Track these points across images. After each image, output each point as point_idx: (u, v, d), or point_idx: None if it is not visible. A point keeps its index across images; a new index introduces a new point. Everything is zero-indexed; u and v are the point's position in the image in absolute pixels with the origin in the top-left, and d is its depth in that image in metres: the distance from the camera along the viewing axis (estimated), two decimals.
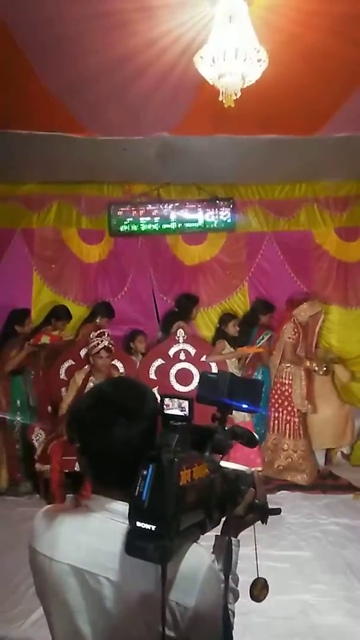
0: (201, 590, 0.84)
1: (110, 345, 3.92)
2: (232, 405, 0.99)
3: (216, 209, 4.66)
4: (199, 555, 0.86)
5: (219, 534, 1.00)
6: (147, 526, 0.70)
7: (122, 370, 4.28)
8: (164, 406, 0.91)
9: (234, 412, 1.02)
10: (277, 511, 1.04)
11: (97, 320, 4.38)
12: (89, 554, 0.86)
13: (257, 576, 1.00)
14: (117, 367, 4.27)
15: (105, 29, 2.39)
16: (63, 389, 4.19)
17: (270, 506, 1.02)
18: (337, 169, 4.27)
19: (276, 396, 4.32)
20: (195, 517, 0.78)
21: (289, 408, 4.26)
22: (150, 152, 3.77)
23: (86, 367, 4.01)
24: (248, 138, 3.51)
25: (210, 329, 4.70)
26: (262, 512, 1.00)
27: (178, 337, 4.32)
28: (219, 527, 0.97)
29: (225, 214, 4.65)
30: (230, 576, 0.96)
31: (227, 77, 1.97)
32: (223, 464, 0.96)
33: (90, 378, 3.93)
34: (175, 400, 0.91)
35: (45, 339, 4.18)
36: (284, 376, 4.28)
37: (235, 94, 2.07)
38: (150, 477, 0.71)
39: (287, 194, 4.67)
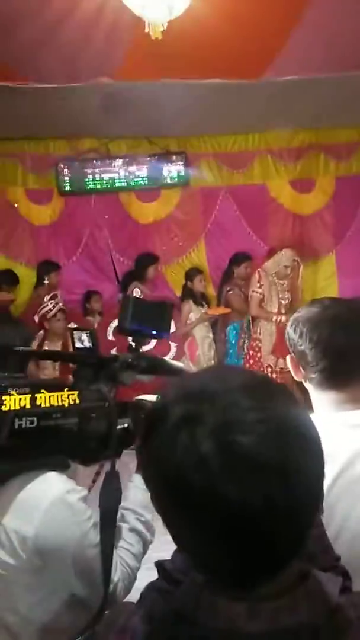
0: (44, 521, 0.80)
1: (64, 307, 3.86)
2: (141, 331, 0.96)
3: (169, 163, 4.51)
4: (47, 484, 0.82)
5: None
6: None
7: None
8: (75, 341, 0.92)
9: None
10: None
11: (45, 281, 4.26)
12: None
13: None
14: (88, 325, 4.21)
15: None
16: None
17: None
18: (288, 117, 4.17)
19: (251, 352, 4.17)
20: (49, 447, 0.75)
21: (261, 362, 4.10)
22: (93, 101, 3.58)
23: (40, 332, 3.93)
24: (194, 83, 3.36)
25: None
26: None
27: (134, 295, 4.25)
28: None
29: (178, 168, 4.51)
30: (135, 517, 0.92)
31: (152, 6, 1.83)
32: (141, 397, 0.94)
33: (45, 342, 3.85)
34: (78, 332, 0.93)
35: None
36: (257, 331, 4.13)
37: (162, 25, 1.94)
38: None
39: (240, 145, 4.55)
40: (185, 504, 0.46)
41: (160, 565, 0.59)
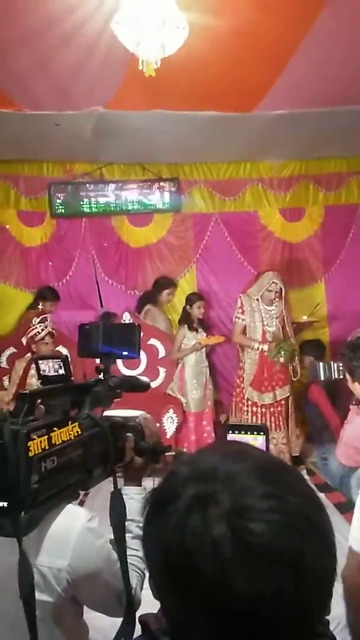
0: (75, 549, 0.86)
1: (53, 331, 3.84)
2: (112, 353, 0.99)
3: (161, 190, 4.56)
4: (71, 516, 0.89)
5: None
6: (0, 503, 0.69)
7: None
8: (41, 370, 0.92)
9: None
10: (167, 449, 1.06)
11: (40, 306, 4.23)
12: None
13: None
14: (61, 353, 4.15)
15: None
16: (5, 378, 4.05)
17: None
18: (279, 149, 4.26)
19: (237, 380, 3.97)
20: (64, 481, 0.76)
21: (242, 395, 3.91)
22: (87, 128, 3.62)
23: (28, 354, 3.88)
24: (187, 114, 3.42)
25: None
26: (153, 454, 1.02)
27: (123, 320, 4.22)
28: None
29: (170, 194, 4.56)
30: (135, 525, 0.97)
31: (146, 44, 1.87)
32: (111, 413, 0.96)
33: (32, 366, 3.81)
34: (50, 361, 0.93)
35: None
36: (242, 359, 3.94)
37: (156, 63, 1.98)
38: None
39: (232, 174, 4.62)
40: (189, 588, 0.44)
41: (144, 623, 0.56)
